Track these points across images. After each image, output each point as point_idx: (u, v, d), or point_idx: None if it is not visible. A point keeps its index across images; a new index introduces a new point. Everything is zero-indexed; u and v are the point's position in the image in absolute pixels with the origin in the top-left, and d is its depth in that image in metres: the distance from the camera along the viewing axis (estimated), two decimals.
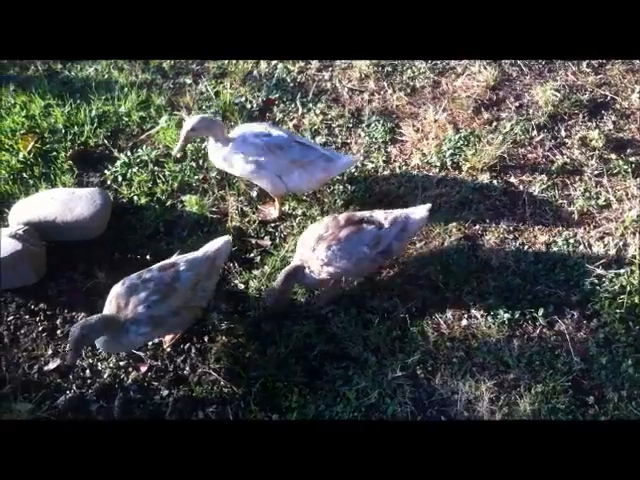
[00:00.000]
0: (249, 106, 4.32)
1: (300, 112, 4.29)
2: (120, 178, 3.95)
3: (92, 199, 3.62)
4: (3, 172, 3.97)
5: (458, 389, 2.99)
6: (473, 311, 3.28)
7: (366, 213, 3.22)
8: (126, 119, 4.27)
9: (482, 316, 3.26)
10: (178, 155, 3.91)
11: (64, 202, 3.62)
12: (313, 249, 3.11)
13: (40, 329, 3.33)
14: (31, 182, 3.94)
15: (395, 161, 4.01)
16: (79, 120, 4.23)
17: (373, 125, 4.21)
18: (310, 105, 4.34)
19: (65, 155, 4.06)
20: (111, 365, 3.19)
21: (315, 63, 4.61)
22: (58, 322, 3.36)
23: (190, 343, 3.24)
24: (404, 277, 3.41)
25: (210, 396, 3.03)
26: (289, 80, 4.50)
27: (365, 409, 2.93)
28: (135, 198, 3.83)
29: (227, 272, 3.49)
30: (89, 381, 3.13)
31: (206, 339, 3.25)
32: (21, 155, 4.04)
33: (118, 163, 4.00)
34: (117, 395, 3.06)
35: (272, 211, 3.74)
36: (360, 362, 3.10)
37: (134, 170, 3.96)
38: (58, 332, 3.33)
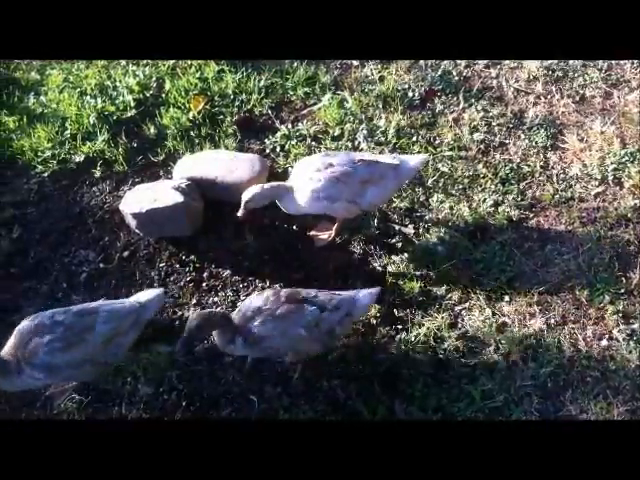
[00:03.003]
0: (411, 94, 4.33)
1: (461, 106, 4.25)
2: (278, 149, 4.10)
3: (252, 164, 3.79)
4: (173, 128, 4.25)
5: (588, 409, 2.88)
6: (615, 333, 3.14)
7: (311, 292, 2.97)
8: (291, 93, 4.42)
9: (624, 339, 3.11)
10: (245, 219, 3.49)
11: (226, 163, 3.82)
12: (248, 319, 2.86)
13: (188, 279, 3.55)
14: (197, 141, 4.18)
15: (553, 168, 3.88)
16: (248, 88, 4.43)
17: (535, 129, 4.09)
18: (472, 100, 4.28)
19: (231, 120, 4.27)
20: None
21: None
22: (205, 275, 3.56)
23: None
24: (546, 287, 3.31)
25: (336, 370, 3.11)
26: (455, 73, 4.46)
27: (489, 411, 2.90)
28: (290, 169, 3.96)
29: (368, 254, 3.55)
30: None
31: None
32: (191, 114, 4.30)
33: (278, 134, 4.16)
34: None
35: (325, 237, 3.65)
36: (489, 364, 3.06)
37: (292, 142, 4.10)
38: (203, 285, 3.53)
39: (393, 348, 3.15)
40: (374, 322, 3.26)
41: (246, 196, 3.29)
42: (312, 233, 3.66)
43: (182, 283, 3.54)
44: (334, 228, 3.60)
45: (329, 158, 3.29)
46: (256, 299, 2.92)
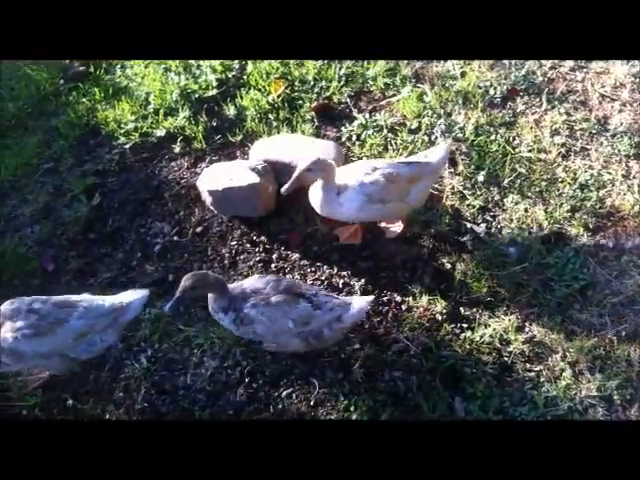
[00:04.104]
0: (492, 92, 4.27)
1: (543, 108, 4.17)
2: (354, 138, 4.11)
3: (327, 151, 3.81)
4: (252, 110, 4.31)
5: None
6: None
7: (312, 289, 2.99)
8: (371, 83, 4.42)
9: None
10: (287, 193, 3.47)
11: (301, 148, 3.85)
12: (244, 298, 2.88)
13: (257, 259, 3.61)
14: (274, 124, 4.24)
15: (635, 177, 3.78)
16: (328, 75, 4.45)
17: (619, 136, 3.98)
18: (555, 103, 4.19)
19: (309, 106, 4.31)
20: None
21: (569, 62, 4.43)
22: (274, 257, 3.62)
23: (389, 307, 3.34)
24: (620, 298, 3.24)
25: (399, 361, 3.12)
26: (539, 74, 4.38)
27: (551, 418, 2.86)
28: (364, 159, 3.97)
29: (437, 249, 3.53)
30: None
31: (404, 307, 3.33)
32: (270, 97, 4.36)
33: (355, 123, 4.17)
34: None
35: (396, 228, 3.64)
36: (555, 371, 3.02)
37: (369, 132, 4.10)
38: (272, 266, 3.59)
39: (457, 346, 3.14)
40: (440, 318, 3.25)
41: (306, 163, 3.21)
42: (383, 224, 3.66)
43: (251, 262, 3.61)
44: (404, 220, 3.62)
45: (373, 163, 3.35)
46: (258, 281, 2.95)
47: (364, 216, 3.43)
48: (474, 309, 3.27)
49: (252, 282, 2.96)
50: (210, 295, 2.91)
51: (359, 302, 2.98)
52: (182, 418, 3.03)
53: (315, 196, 3.38)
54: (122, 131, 4.32)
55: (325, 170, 3.24)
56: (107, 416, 3.08)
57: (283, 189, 3.29)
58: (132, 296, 3.09)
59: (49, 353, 2.91)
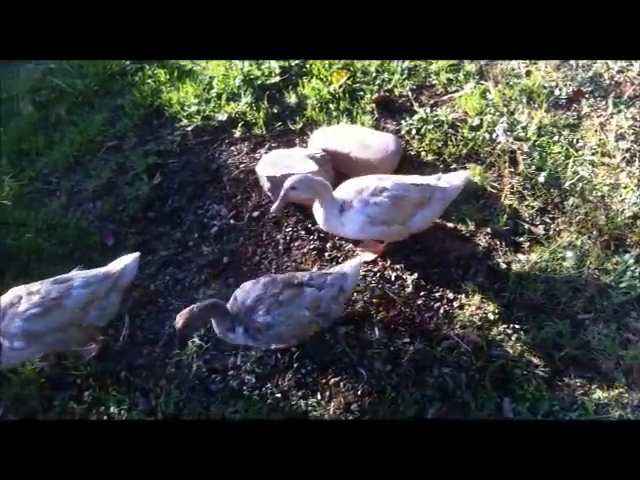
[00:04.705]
0: (557, 93, 4.20)
1: (609, 112, 4.08)
2: (414, 132, 4.10)
3: (386, 144, 3.81)
4: (313, 99, 4.34)
5: None
6: None
7: (305, 275, 3.01)
8: (434, 77, 4.40)
9: None
10: (277, 214, 3.64)
11: (360, 139, 3.86)
12: (251, 309, 2.89)
13: (311, 247, 3.64)
14: (334, 114, 4.25)
15: None
16: (391, 68, 4.44)
17: None
18: (622, 107, 4.10)
19: (370, 97, 4.30)
20: (365, 298, 3.39)
21: (637, 66, 4.33)
22: (328, 245, 3.65)
23: (440, 303, 3.33)
24: None
25: (448, 358, 3.11)
26: (606, 77, 4.29)
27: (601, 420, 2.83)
28: (422, 153, 3.96)
29: (493, 248, 3.51)
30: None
31: (455, 304, 3.32)
32: (332, 87, 4.37)
33: (416, 117, 4.15)
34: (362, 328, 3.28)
35: (370, 255, 3.57)
36: (608, 379, 2.98)
37: (429, 127, 4.08)
38: (326, 254, 3.61)
39: (509, 346, 3.12)
40: (492, 317, 3.23)
41: (290, 182, 3.11)
42: (359, 248, 3.63)
43: (305, 250, 3.64)
44: (381, 247, 3.56)
45: (382, 182, 3.20)
46: (254, 288, 2.95)
47: (365, 236, 3.38)
48: (528, 311, 3.24)
49: (247, 292, 2.95)
50: (213, 320, 2.93)
51: (351, 267, 3.06)
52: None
53: (317, 213, 3.27)
54: (185, 113, 4.39)
55: (313, 188, 3.13)
56: (159, 390, 3.16)
57: (272, 208, 3.20)
58: (126, 260, 3.18)
59: (63, 326, 2.98)
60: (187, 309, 2.79)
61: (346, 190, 3.24)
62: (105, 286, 3.05)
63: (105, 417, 3.12)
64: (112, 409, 3.12)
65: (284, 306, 2.89)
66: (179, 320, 2.77)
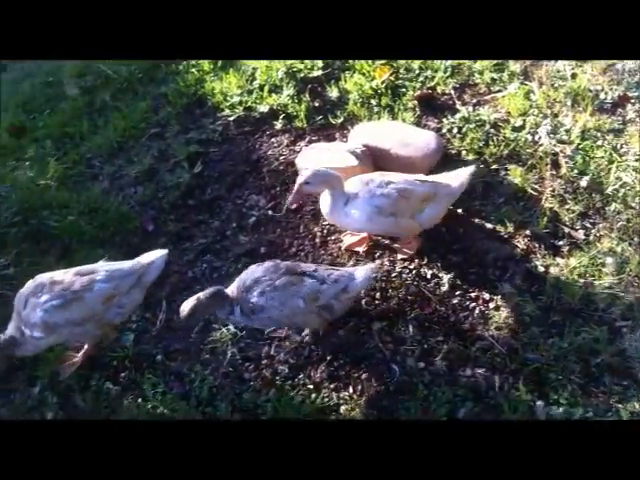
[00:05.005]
0: (603, 96, 4.14)
1: None
2: (455, 130, 4.08)
3: (427, 141, 3.80)
4: (355, 94, 4.35)
5: None
6: None
7: (311, 266, 3.03)
8: (477, 76, 4.37)
9: None
10: (292, 207, 3.73)
11: (401, 136, 3.85)
12: (247, 289, 2.92)
13: None
14: (376, 109, 4.26)
15: None
16: (434, 65, 4.43)
17: None
18: None
19: (412, 94, 4.30)
20: (400, 295, 3.39)
21: None
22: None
23: (476, 304, 3.32)
24: None
25: (482, 358, 3.11)
26: None
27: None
28: (463, 153, 3.95)
29: (531, 251, 3.48)
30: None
31: (491, 305, 3.31)
32: (374, 83, 4.37)
33: (458, 115, 4.13)
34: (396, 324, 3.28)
35: (406, 251, 3.57)
36: None
37: (471, 126, 4.06)
38: (361, 250, 3.62)
39: (544, 350, 3.09)
40: (528, 320, 3.21)
41: (304, 176, 3.16)
42: (396, 245, 3.61)
43: (342, 244, 3.65)
44: (416, 244, 3.56)
45: (387, 177, 3.25)
46: (256, 269, 2.98)
47: (373, 228, 3.38)
48: (564, 315, 3.21)
49: (248, 274, 2.99)
50: (215, 309, 2.96)
51: (363, 271, 3.04)
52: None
53: (324, 203, 3.31)
54: (227, 104, 4.44)
55: (327, 182, 3.18)
56: (193, 375, 3.20)
57: (287, 202, 3.24)
58: (153, 256, 3.13)
59: (82, 320, 2.96)
60: (192, 297, 2.83)
61: (351, 184, 3.28)
62: (128, 282, 3.02)
63: (140, 399, 3.17)
64: (147, 391, 3.17)
65: (278, 291, 2.90)
66: (185, 308, 2.81)
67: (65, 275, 2.98)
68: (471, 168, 3.41)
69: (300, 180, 3.17)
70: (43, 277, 3.00)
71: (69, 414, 3.16)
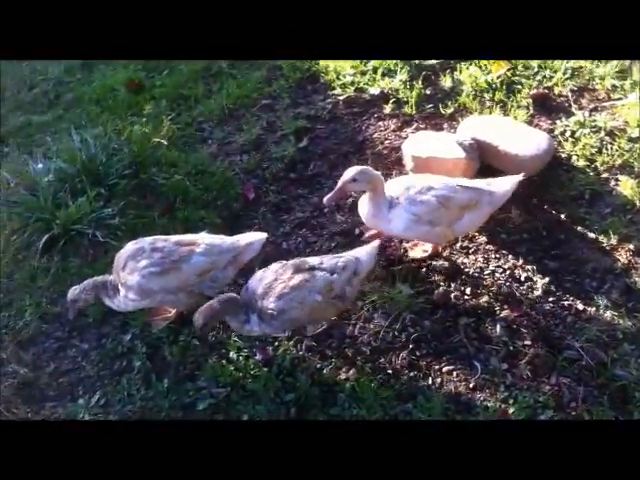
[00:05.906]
0: None
1: None
2: (568, 134, 3.98)
3: (538, 142, 3.72)
4: (468, 86, 4.32)
5: None
6: None
7: (316, 259, 2.99)
8: (598, 81, 4.23)
9: None
10: (332, 204, 3.66)
11: (511, 133, 3.79)
12: (262, 296, 2.87)
13: None
14: (488, 104, 4.20)
15: None
16: (554, 65, 4.33)
17: None
18: None
19: (527, 92, 4.21)
20: (491, 294, 3.36)
21: None
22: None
23: (568, 312, 3.25)
24: None
25: (568, 369, 3.03)
26: None
27: None
28: (574, 158, 3.84)
29: (632, 266, 3.37)
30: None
31: (584, 316, 3.23)
32: (490, 77, 4.31)
33: (572, 119, 4.03)
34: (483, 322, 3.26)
35: (422, 252, 3.54)
36: None
37: (585, 132, 3.95)
38: (457, 245, 3.60)
39: (634, 368, 3.01)
40: (620, 336, 3.13)
41: (352, 173, 3.10)
42: (409, 244, 3.57)
43: None
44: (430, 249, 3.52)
45: (428, 181, 3.18)
46: (264, 275, 2.94)
47: (409, 235, 3.33)
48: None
49: (258, 281, 2.94)
50: (227, 317, 2.95)
51: (365, 251, 3.06)
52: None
53: (363, 207, 3.26)
54: (339, 82, 4.48)
55: (371, 182, 3.12)
56: (277, 344, 3.29)
57: (325, 199, 3.18)
58: (252, 237, 3.17)
59: (175, 289, 3.03)
60: (206, 305, 2.85)
61: (393, 187, 3.22)
62: (225, 259, 3.06)
63: (224, 361, 3.28)
64: (232, 354, 3.28)
65: (296, 290, 2.89)
66: (199, 317, 2.81)
67: (166, 243, 3.04)
68: (518, 177, 3.33)
69: (346, 177, 3.11)
70: (144, 241, 3.07)
71: (155, 365, 3.31)
